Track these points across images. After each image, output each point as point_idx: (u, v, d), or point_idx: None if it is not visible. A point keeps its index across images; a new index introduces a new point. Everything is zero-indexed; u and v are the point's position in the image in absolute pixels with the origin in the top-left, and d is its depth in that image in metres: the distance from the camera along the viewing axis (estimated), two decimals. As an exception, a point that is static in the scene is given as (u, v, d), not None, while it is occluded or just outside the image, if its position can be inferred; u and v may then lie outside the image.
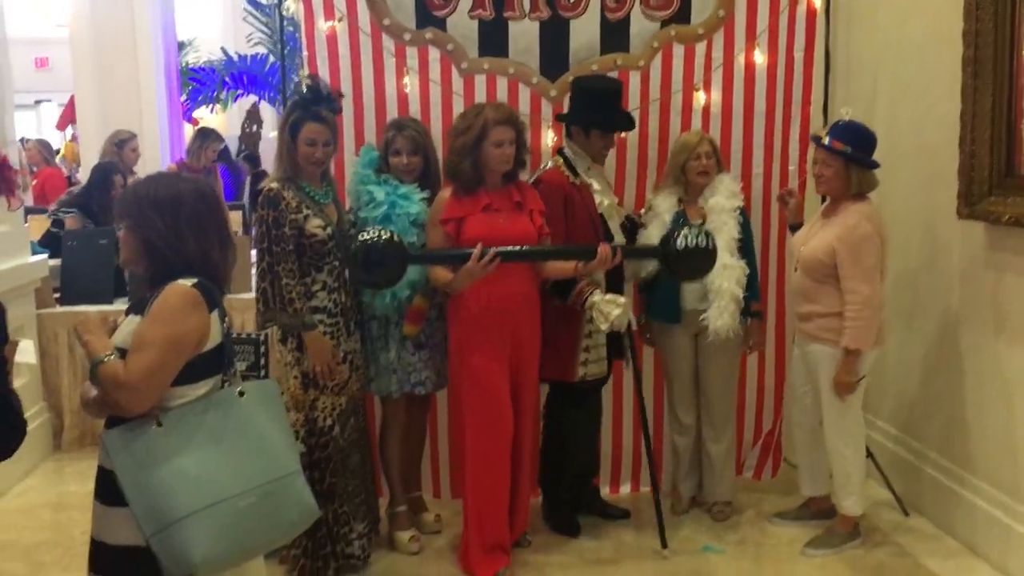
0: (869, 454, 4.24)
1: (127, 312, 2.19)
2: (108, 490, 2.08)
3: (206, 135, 7.02)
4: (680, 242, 3.38)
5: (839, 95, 4.44)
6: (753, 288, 3.94)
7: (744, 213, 3.92)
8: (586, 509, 4.07)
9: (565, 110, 3.94)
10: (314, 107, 3.45)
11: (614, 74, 4.03)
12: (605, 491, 4.25)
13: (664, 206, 3.92)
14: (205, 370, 2.14)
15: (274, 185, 3.44)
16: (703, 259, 3.43)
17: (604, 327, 3.51)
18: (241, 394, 2.15)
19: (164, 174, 2.45)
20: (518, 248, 3.45)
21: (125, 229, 2.18)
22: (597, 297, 3.54)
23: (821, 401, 3.73)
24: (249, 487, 2.05)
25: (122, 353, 2.06)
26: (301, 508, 2.17)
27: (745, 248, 3.88)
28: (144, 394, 2.03)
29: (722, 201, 3.86)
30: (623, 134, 4.07)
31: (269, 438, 2.14)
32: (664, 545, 3.73)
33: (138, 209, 2.14)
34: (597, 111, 3.77)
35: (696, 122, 4.11)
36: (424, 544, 3.83)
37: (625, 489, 4.34)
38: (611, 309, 3.48)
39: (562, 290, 3.64)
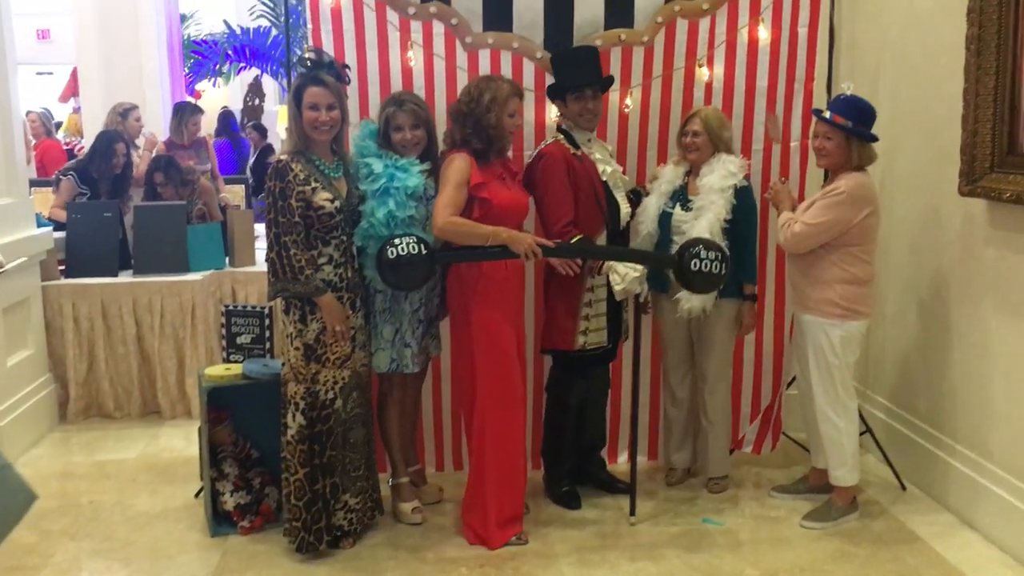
0: (868, 429, 4.30)
1: None
2: None
3: (181, 110, 6.79)
4: (694, 264, 3.52)
5: (843, 71, 4.44)
6: (747, 269, 3.96)
7: (745, 192, 3.89)
8: (591, 481, 4.12)
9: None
10: (314, 72, 3.47)
11: (618, 49, 4.04)
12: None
13: (668, 177, 3.97)
14: None
15: (283, 157, 3.47)
16: (712, 283, 3.60)
17: (618, 288, 3.58)
18: None
19: None
20: (565, 244, 3.62)
21: None
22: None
23: (810, 371, 3.78)
24: None
25: None
26: (23, 495, 2.17)
27: (737, 229, 3.86)
28: None
29: (715, 181, 3.83)
30: (627, 107, 4.09)
31: None
32: (632, 512, 3.81)
33: None
34: (564, 75, 3.81)
35: (698, 97, 4.12)
36: (427, 516, 3.88)
37: (623, 458, 4.39)
38: (628, 271, 3.54)
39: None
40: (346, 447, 3.59)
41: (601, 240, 3.84)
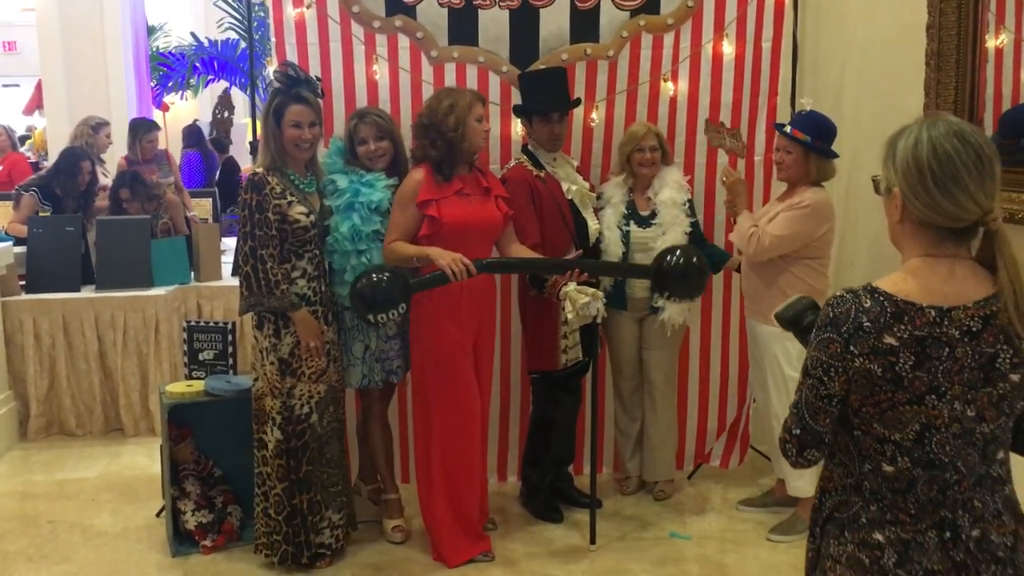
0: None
1: None
2: None
3: (136, 128, 6.63)
4: (673, 261, 3.53)
5: (806, 87, 4.47)
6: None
7: (690, 203, 4.00)
8: (559, 496, 4.10)
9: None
10: (294, 89, 3.44)
11: (583, 63, 4.05)
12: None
13: (616, 196, 3.99)
14: None
15: (259, 170, 3.44)
16: (697, 279, 3.58)
17: (571, 315, 3.53)
18: None
19: None
20: (506, 260, 3.64)
21: None
22: (570, 287, 3.58)
23: (767, 383, 3.80)
24: None
25: None
26: None
27: (696, 234, 3.97)
28: None
29: (673, 195, 3.93)
30: (592, 121, 4.09)
31: None
32: (592, 541, 3.75)
33: None
34: (531, 98, 3.81)
35: (663, 112, 4.14)
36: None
37: (588, 468, 4.36)
38: (579, 297, 3.51)
39: (540, 282, 3.68)
40: (323, 462, 3.55)
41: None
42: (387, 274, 3.35)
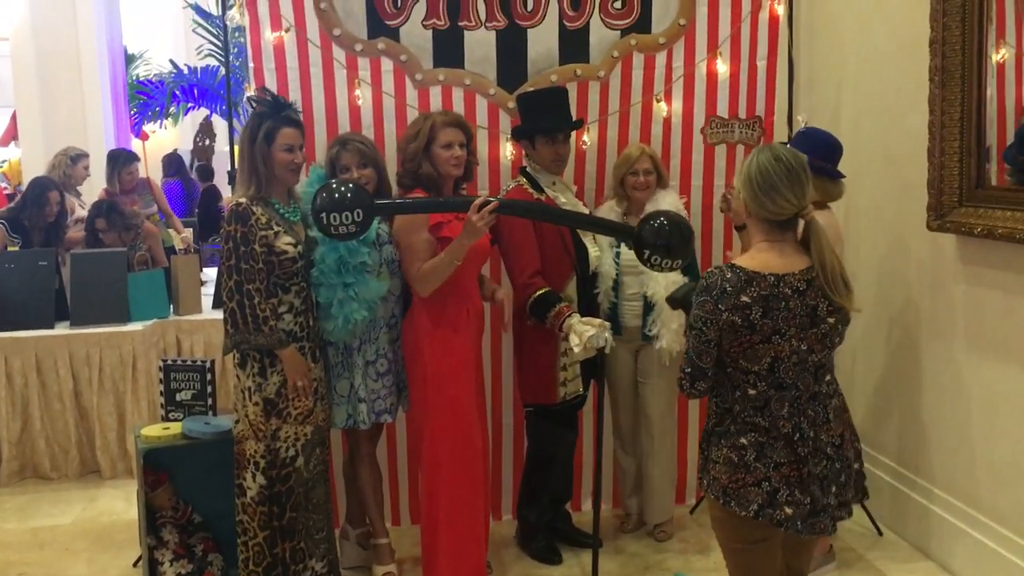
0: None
1: None
2: None
3: (114, 159, 6.49)
4: (656, 226, 3.23)
5: (802, 105, 4.35)
6: None
7: None
8: (557, 535, 3.93)
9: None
10: (283, 112, 3.30)
11: (573, 84, 3.91)
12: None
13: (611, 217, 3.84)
14: None
15: (243, 200, 3.25)
16: (680, 247, 3.24)
17: (577, 349, 3.35)
18: None
19: None
20: (511, 200, 3.51)
21: None
22: (575, 319, 3.41)
23: None
24: None
25: None
26: None
27: (690, 266, 3.73)
28: None
29: None
30: (584, 144, 3.96)
31: None
32: None
33: None
34: (534, 119, 3.67)
35: (657, 132, 4.01)
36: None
37: (587, 506, 4.19)
38: (585, 329, 3.34)
39: (541, 312, 3.51)
40: (308, 507, 3.36)
41: (571, 287, 3.67)
42: (350, 185, 3.20)
